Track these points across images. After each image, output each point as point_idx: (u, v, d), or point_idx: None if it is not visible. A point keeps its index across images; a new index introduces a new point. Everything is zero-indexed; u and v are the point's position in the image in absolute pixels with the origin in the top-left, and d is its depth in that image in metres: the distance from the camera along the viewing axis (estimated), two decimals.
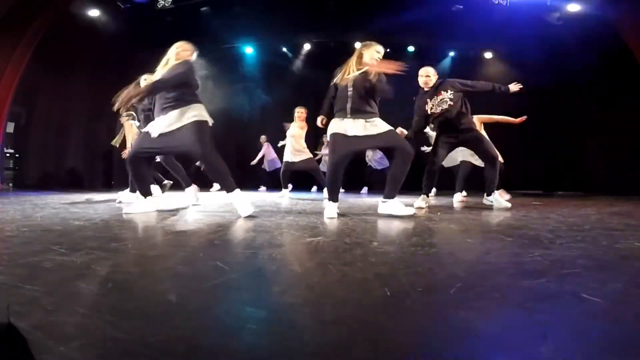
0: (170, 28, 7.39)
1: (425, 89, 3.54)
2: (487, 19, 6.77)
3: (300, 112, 5.42)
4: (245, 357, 0.62)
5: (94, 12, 6.77)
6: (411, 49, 8.18)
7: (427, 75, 3.51)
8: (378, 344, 0.67)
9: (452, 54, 8.27)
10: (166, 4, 6.86)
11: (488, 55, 8.04)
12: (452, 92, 3.43)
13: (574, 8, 6.26)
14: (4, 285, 0.95)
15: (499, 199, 3.50)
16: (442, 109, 3.44)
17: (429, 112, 3.52)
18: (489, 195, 3.57)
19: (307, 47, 8.53)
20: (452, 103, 3.42)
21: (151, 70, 3.00)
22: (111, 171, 8.05)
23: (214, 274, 1.10)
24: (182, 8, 7.01)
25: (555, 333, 0.70)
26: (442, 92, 3.46)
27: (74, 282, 1.00)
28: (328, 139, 2.83)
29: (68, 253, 1.33)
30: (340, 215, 2.70)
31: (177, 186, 4.34)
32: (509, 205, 3.44)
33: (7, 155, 6.64)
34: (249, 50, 8.59)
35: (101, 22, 6.88)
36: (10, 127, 6.53)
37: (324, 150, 6.78)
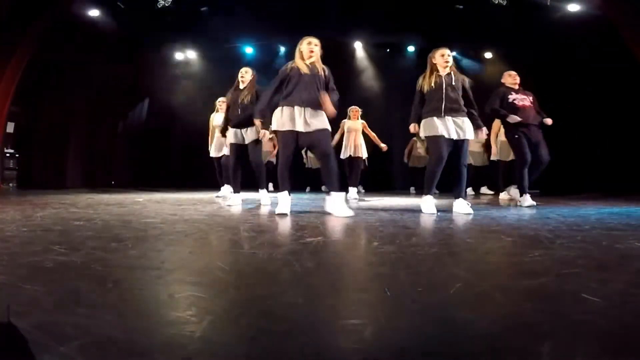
0: (170, 28, 7.40)
1: (511, 86, 4.08)
2: (487, 19, 6.78)
3: (355, 110, 5.62)
4: (245, 357, 0.62)
5: (94, 12, 6.77)
6: (411, 49, 8.18)
7: (517, 76, 4.12)
8: (378, 344, 0.67)
9: (453, 53, 8.28)
10: (166, 4, 6.86)
11: (488, 55, 8.04)
12: (532, 97, 4.06)
13: (574, 8, 6.25)
14: (4, 285, 0.95)
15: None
16: (523, 104, 4.00)
17: (509, 101, 4.02)
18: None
19: None
20: (531, 104, 4.01)
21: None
22: (112, 171, 8.04)
23: (214, 273, 1.10)
24: (182, 8, 7.00)
25: (555, 333, 0.70)
26: (526, 93, 4.04)
27: (74, 282, 1.00)
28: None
29: (68, 253, 1.33)
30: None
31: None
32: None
33: (7, 155, 6.64)
34: (249, 50, 8.59)
35: (101, 22, 6.88)
36: (10, 127, 6.53)
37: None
